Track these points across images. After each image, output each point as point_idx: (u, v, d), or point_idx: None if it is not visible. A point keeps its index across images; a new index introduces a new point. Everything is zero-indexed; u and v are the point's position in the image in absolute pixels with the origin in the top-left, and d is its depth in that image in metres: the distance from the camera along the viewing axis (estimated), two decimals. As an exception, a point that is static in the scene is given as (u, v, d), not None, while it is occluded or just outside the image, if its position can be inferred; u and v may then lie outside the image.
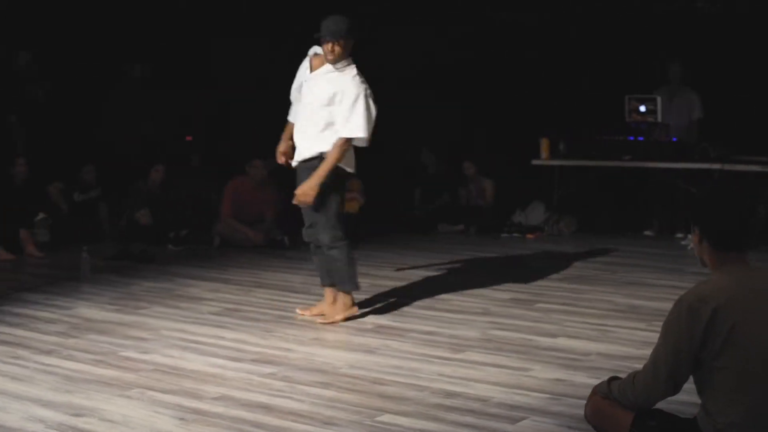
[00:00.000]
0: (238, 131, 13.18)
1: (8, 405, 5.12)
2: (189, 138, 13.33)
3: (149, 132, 12.47)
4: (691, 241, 10.58)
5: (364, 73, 6.98)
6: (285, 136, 7.32)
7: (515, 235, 11.94)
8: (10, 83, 11.92)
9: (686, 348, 3.69)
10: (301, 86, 7.15)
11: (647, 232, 11.86)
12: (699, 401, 3.73)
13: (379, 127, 13.10)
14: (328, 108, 6.89)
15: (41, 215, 10.87)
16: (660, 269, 9.36)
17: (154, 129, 12.53)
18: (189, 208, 11.50)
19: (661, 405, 3.88)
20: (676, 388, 3.82)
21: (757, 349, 3.64)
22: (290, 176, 12.02)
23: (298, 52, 7.32)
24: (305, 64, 7.16)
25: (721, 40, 11.85)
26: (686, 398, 4.09)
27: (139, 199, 11.24)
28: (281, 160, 7.35)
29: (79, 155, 11.82)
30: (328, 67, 6.95)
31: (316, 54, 7.08)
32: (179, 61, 13.24)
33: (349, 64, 6.96)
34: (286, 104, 7.37)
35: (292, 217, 11.48)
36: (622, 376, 4.12)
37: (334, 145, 6.89)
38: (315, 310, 7.34)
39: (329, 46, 6.84)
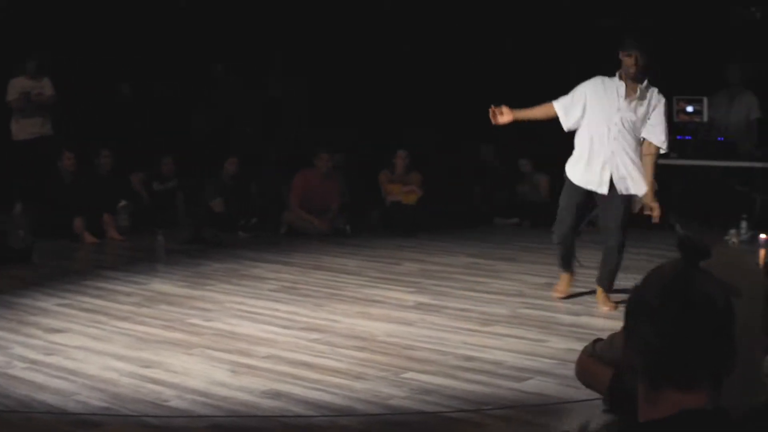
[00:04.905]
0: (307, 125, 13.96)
1: (88, 358, 6.00)
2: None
3: (224, 126, 13.33)
4: (734, 235, 11.11)
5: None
6: (536, 109, 7.80)
7: (567, 228, 12.52)
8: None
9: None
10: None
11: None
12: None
13: (442, 124, 13.79)
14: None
15: (123, 202, 11.81)
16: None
17: (229, 123, 13.39)
18: (259, 198, 12.38)
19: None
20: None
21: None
22: (353, 169, 12.86)
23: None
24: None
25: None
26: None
27: (213, 189, 12.10)
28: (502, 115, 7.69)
29: (160, 148, 12.74)
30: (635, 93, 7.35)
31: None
32: (253, 60, 14.11)
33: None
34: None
35: (354, 207, 12.34)
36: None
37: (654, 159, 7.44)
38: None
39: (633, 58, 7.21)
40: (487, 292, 8.22)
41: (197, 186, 12.28)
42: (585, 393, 5.06)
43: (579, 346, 6.21)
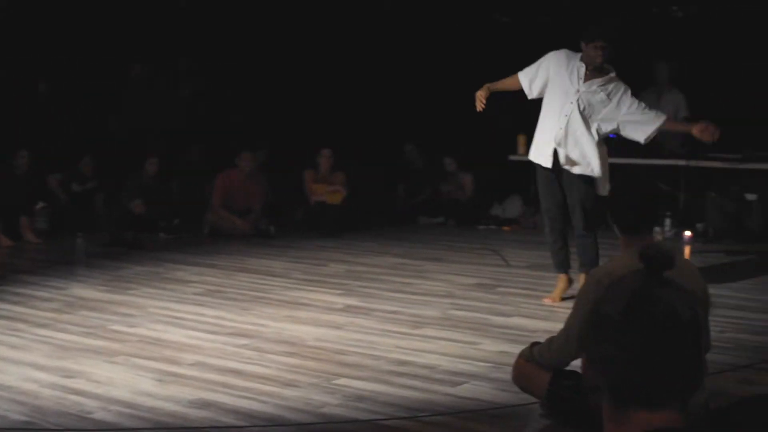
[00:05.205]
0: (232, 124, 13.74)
1: (6, 368, 5.76)
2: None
3: (146, 126, 13.02)
4: (658, 233, 11.13)
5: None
6: (505, 81, 7.66)
7: (492, 227, 12.50)
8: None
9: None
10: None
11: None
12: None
13: (365, 123, 13.68)
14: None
15: (41, 204, 11.48)
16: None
17: (150, 124, 13.08)
18: (181, 198, 12.13)
19: (574, 365, 4.50)
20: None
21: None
22: (277, 171, 12.69)
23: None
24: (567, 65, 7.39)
25: (701, 42, 12.29)
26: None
27: (133, 190, 11.83)
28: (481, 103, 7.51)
29: (78, 148, 12.42)
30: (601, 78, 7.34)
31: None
32: (176, 61, 13.85)
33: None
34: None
35: (278, 207, 12.17)
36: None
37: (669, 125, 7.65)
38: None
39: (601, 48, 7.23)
40: (416, 294, 8.11)
41: (117, 187, 12.00)
42: (521, 397, 5.01)
43: (511, 348, 6.17)
